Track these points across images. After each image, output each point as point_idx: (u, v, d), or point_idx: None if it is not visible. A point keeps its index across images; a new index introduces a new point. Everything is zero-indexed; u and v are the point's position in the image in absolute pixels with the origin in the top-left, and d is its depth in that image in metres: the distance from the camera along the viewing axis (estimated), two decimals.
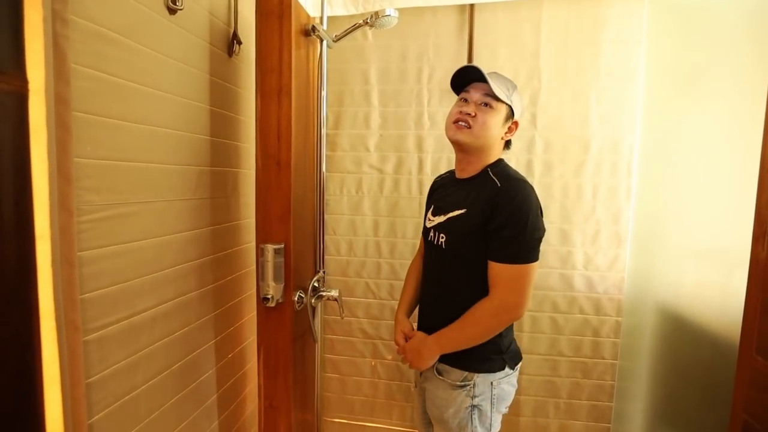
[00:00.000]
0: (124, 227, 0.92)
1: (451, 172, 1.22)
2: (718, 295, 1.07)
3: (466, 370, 1.06)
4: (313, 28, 1.23)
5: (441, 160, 1.72)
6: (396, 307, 1.39)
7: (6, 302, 0.63)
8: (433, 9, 1.66)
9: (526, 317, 1.71)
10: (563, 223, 1.65)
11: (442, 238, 1.08)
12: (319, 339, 1.40)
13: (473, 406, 1.06)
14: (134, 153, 0.95)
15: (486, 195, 1.02)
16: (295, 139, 1.20)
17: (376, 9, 1.64)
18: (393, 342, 1.80)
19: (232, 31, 1.31)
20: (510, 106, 1.06)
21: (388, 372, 1.84)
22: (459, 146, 1.08)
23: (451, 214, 1.08)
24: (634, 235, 1.61)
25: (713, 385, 1.10)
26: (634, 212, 1.61)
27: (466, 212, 1.05)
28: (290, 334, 1.21)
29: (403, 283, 1.34)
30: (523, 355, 1.71)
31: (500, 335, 1.06)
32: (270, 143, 1.17)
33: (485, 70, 1.03)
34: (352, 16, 1.69)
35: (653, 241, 1.52)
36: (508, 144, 1.14)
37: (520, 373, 1.73)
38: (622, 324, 1.64)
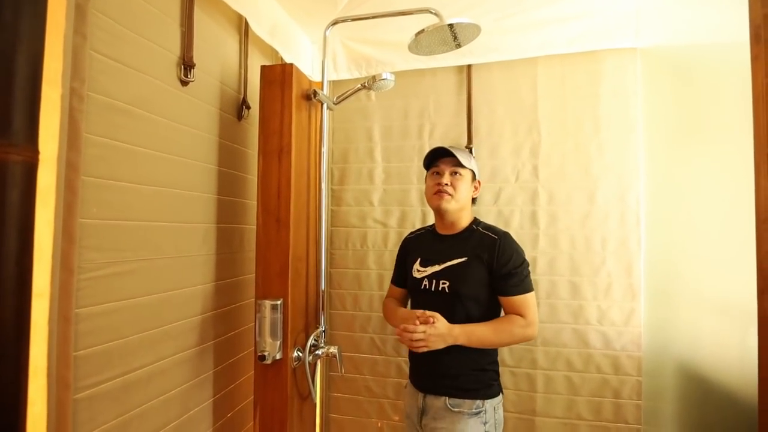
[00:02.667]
0: (123, 284, 0.96)
1: (427, 230, 1.43)
2: (736, 351, 1.00)
3: (477, 399, 1.21)
4: (315, 93, 1.32)
5: None
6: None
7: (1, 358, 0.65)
8: (433, 70, 1.76)
9: (540, 376, 1.62)
10: (573, 275, 1.61)
11: (444, 283, 1.25)
12: (317, 398, 1.35)
13: None
14: (139, 213, 1.00)
15: (486, 245, 1.25)
16: (295, 196, 1.24)
17: (378, 72, 1.75)
18: (397, 399, 1.73)
19: (241, 97, 1.42)
20: (472, 170, 1.32)
21: None
22: (443, 212, 1.30)
23: (449, 263, 1.26)
24: (647, 287, 1.54)
25: None
26: (645, 264, 1.55)
27: (467, 260, 1.25)
28: (287, 393, 1.18)
29: None
30: (538, 418, 1.62)
31: (497, 361, 1.28)
32: (270, 200, 1.22)
33: (449, 147, 1.29)
34: (356, 80, 1.80)
35: (666, 294, 1.45)
36: (474, 200, 1.38)
37: None
38: (644, 384, 1.53)
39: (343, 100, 1.37)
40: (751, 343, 0.92)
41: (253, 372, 1.49)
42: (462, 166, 1.28)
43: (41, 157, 0.74)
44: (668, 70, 1.47)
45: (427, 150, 1.75)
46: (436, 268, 1.27)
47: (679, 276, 1.38)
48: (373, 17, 1.32)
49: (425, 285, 1.28)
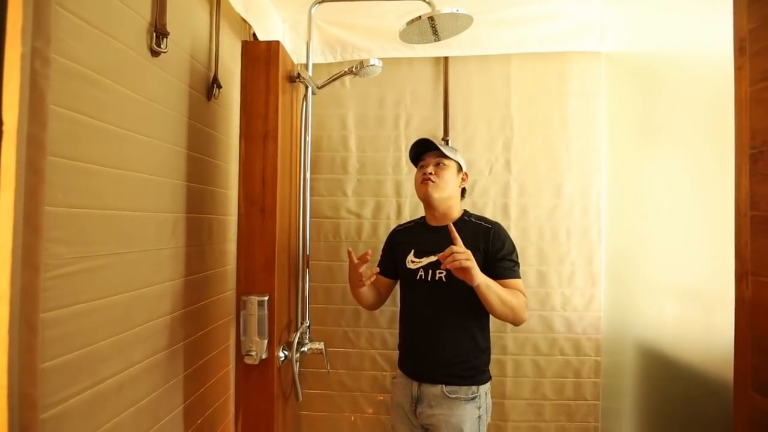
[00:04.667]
0: (93, 283, 0.83)
1: (417, 223, 1.45)
2: (701, 333, 1.11)
3: (473, 384, 1.25)
4: (299, 75, 1.24)
5: (419, 204, 1.72)
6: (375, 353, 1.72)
7: None
8: (410, 60, 1.73)
9: (509, 361, 1.69)
10: (540, 264, 1.69)
11: (441, 273, 1.26)
12: (300, 396, 1.29)
13: (479, 417, 1.26)
14: (108, 200, 0.87)
15: (480, 233, 1.30)
16: (281, 183, 1.16)
17: (353, 58, 1.69)
18: (371, 392, 1.72)
19: (212, 75, 1.29)
20: (457, 162, 1.35)
21: (368, 427, 1.72)
22: (430, 201, 1.33)
23: None
24: (606, 275, 1.67)
25: (702, 423, 1.12)
26: (605, 253, 1.68)
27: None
28: (273, 394, 1.11)
29: (380, 329, 1.68)
30: (508, 401, 1.70)
31: (489, 347, 1.34)
32: (254, 189, 1.12)
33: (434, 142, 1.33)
34: (329, 65, 1.72)
35: (626, 280, 1.58)
36: (463, 192, 1.42)
37: (506, 421, 1.69)
38: (602, 364, 1.66)
39: (327, 83, 1.30)
40: (717, 322, 1.04)
41: (223, 371, 1.39)
42: (446, 157, 1.32)
43: (4, 129, 0.61)
44: (629, 73, 1.59)
45: (404, 141, 1.75)
46: (432, 258, 1.28)
47: (637, 264, 1.51)
48: None
49: (421, 275, 1.30)
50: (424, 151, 1.36)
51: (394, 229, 1.50)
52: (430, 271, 1.28)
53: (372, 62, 1.27)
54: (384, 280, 1.45)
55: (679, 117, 1.29)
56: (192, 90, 1.19)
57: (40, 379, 0.70)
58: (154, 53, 1.01)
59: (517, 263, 1.29)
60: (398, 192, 1.74)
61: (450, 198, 1.33)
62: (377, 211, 1.74)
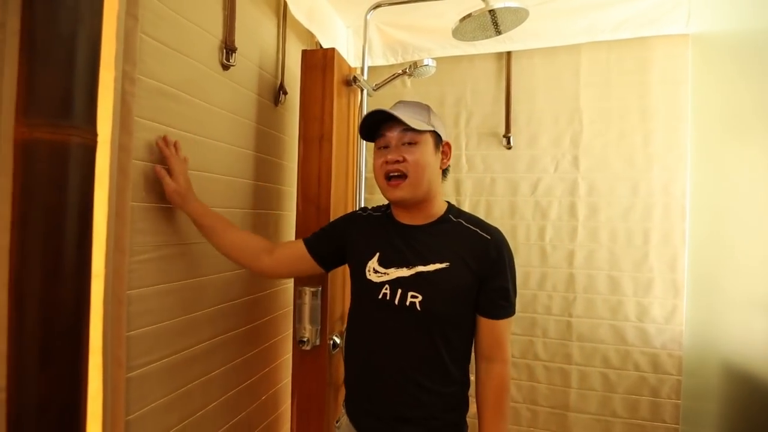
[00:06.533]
0: (171, 267, 0.97)
1: (385, 214, 1.00)
2: None
3: None
4: (354, 79, 1.30)
5: (479, 203, 1.70)
6: None
7: (62, 338, 0.67)
8: (470, 57, 1.71)
9: (574, 371, 1.59)
10: (612, 269, 1.56)
11: (415, 298, 0.87)
12: None
13: None
14: None
15: (474, 246, 0.89)
16: (335, 183, 1.23)
17: (414, 59, 1.71)
18: None
19: (279, 82, 1.41)
20: (434, 131, 0.91)
21: None
22: (402, 203, 0.92)
23: (422, 268, 0.89)
24: (689, 284, 1.49)
25: None
26: (689, 259, 1.49)
27: (449, 266, 0.88)
28: (325, 379, 1.19)
29: None
30: (571, 414, 1.60)
31: (467, 393, 0.95)
32: (310, 187, 1.21)
33: (388, 108, 0.89)
34: (391, 66, 1.77)
35: (712, 291, 1.39)
36: (445, 172, 0.98)
37: None
38: (683, 384, 1.49)
39: (383, 86, 1.35)
40: None
41: (287, 356, 1.52)
42: (415, 130, 0.87)
43: (99, 139, 0.75)
44: (721, 57, 1.39)
45: (464, 139, 1.73)
46: (403, 272, 0.89)
47: (726, 273, 1.32)
48: (415, 0, 1.28)
49: (385, 294, 0.90)
50: (381, 120, 0.91)
51: (357, 213, 1.07)
52: (399, 291, 0.89)
53: (425, 62, 1.29)
54: (297, 249, 1.02)
55: None
56: (260, 97, 1.32)
57: (126, 344, 0.85)
58: (225, 67, 1.14)
59: (516, 294, 0.92)
60: (458, 190, 1.73)
61: (429, 191, 0.90)
62: None
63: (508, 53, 1.66)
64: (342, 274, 1.34)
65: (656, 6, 1.47)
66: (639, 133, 1.54)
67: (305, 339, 1.15)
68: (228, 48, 1.13)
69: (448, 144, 0.96)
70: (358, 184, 1.39)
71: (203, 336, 1.09)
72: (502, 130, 1.67)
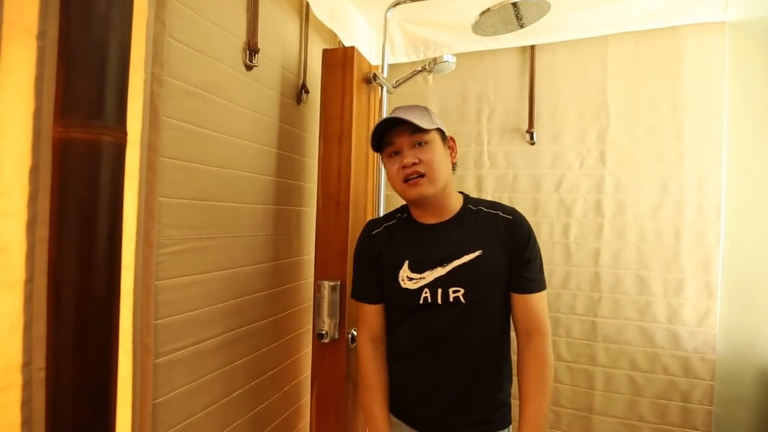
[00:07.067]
0: (196, 260, 1.01)
1: (400, 220, 1.04)
2: None
3: (506, 427, 0.97)
4: (374, 76, 1.31)
5: (501, 200, 1.67)
6: None
7: (95, 324, 0.71)
8: (493, 52, 1.69)
9: (599, 373, 1.55)
10: (640, 269, 1.51)
11: (457, 292, 0.91)
12: None
13: None
14: (208, 193, 1.05)
15: (499, 229, 0.94)
16: (354, 180, 1.25)
17: (435, 55, 1.71)
18: None
19: (301, 81, 1.44)
20: (439, 129, 0.96)
21: None
22: (422, 200, 0.95)
23: (459, 262, 0.92)
24: (724, 285, 1.42)
25: None
26: (723, 260, 1.42)
27: (482, 253, 0.92)
28: (343, 372, 1.21)
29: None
30: (595, 416, 1.56)
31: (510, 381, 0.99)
32: (330, 184, 1.24)
33: (394, 114, 0.94)
34: (413, 63, 1.77)
35: (748, 294, 1.32)
36: (454, 166, 1.02)
37: None
38: (715, 389, 1.42)
39: (402, 83, 1.35)
40: None
41: (307, 350, 1.55)
42: (423, 130, 0.92)
43: (128, 138, 0.79)
44: (762, 45, 1.32)
45: (486, 135, 1.71)
46: (439, 272, 0.93)
47: (764, 275, 1.26)
48: None
49: (426, 297, 0.93)
50: (387, 130, 0.95)
51: (367, 233, 1.06)
52: (440, 291, 0.92)
53: (445, 58, 1.28)
54: (379, 309, 1.03)
55: None
56: (282, 96, 1.36)
57: (154, 332, 0.90)
58: (248, 68, 1.18)
59: (542, 265, 0.96)
60: (479, 187, 1.72)
61: (446, 186, 0.96)
62: None
63: (532, 47, 1.63)
64: None
65: None
66: (669, 127, 1.48)
67: (324, 332, 1.18)
68: (251, 49, 1.17)
69: (452, 139, 1.01)
70: (378, 180, 1.40)
71: (227, 327, 1.13)
72: (525, 126, 1.65)
